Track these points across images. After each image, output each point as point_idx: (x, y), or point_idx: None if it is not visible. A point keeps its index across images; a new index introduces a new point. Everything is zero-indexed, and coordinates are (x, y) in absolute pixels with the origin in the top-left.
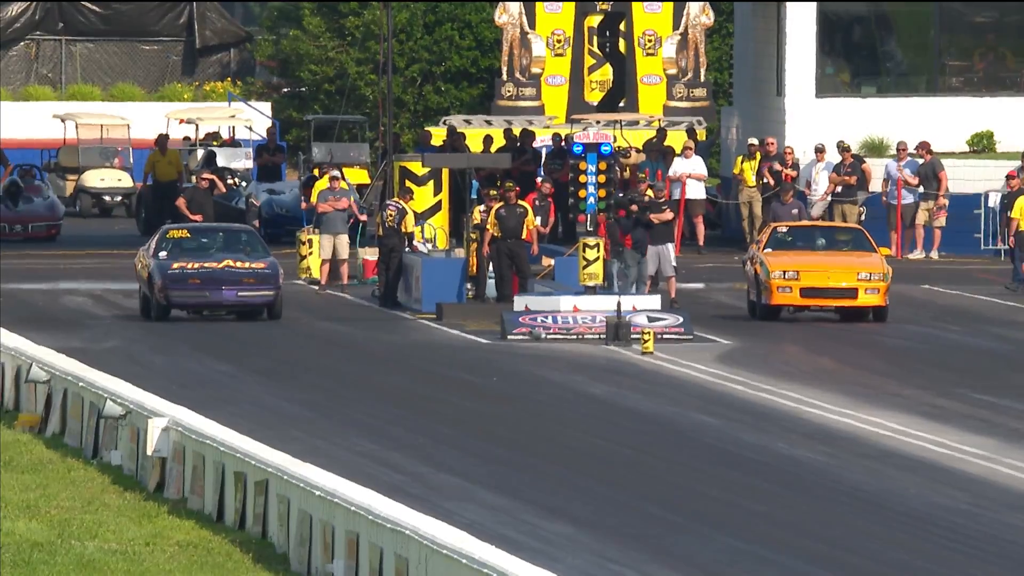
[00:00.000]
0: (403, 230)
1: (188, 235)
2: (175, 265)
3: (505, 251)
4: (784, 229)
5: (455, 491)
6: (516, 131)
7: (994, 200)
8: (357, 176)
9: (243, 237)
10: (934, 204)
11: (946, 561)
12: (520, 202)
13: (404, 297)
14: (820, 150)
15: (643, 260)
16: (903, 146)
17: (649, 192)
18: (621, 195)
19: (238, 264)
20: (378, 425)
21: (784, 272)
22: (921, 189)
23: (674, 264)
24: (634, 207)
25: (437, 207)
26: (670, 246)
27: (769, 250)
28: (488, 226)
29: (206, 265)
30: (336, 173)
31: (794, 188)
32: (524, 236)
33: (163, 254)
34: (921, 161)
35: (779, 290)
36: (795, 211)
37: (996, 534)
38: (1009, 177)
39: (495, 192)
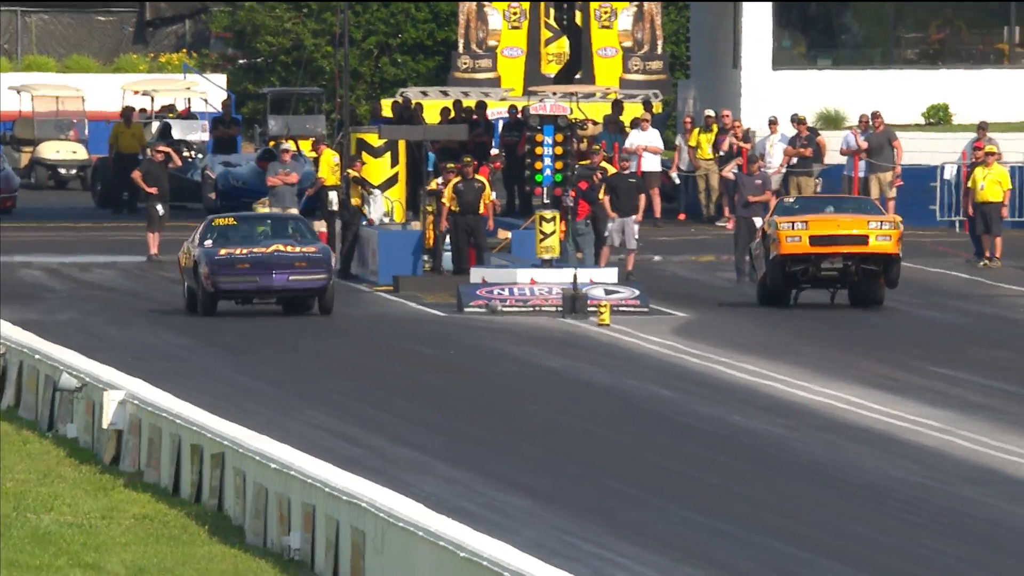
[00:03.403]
0: (353, 203)
1: (235, 223)
2: (223, 251)
3: (463, 225)
4: (791, 199)
5: (412, 464)
6: (471, 103)
7: (950, 172)
8: (305, 148)
9: (291, 224)
10: (891, 174)
11: (902, 533)
12: (478, 176)
13: (360, 269)
14: (773, 122)
15: (588, 230)
16: (864, 118)
17: (605, 164)
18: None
19: (288, 248)
20: (335, 398)
21: (793, 224)
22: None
23: (636, 237)
24: (597, 176)
25: (394, 179)
26: (633, 218)
27: (777, 215)
28: (445, 200)
29: (255, 250)
30: (286, 146)
31: (759, 159)
32: (481, 211)
33: (208, 242)
34: (872, 132)
35: (788, 240)
36: (759, 182)
37: (952, 506)
38: (976, 148)
39: (452, 165)
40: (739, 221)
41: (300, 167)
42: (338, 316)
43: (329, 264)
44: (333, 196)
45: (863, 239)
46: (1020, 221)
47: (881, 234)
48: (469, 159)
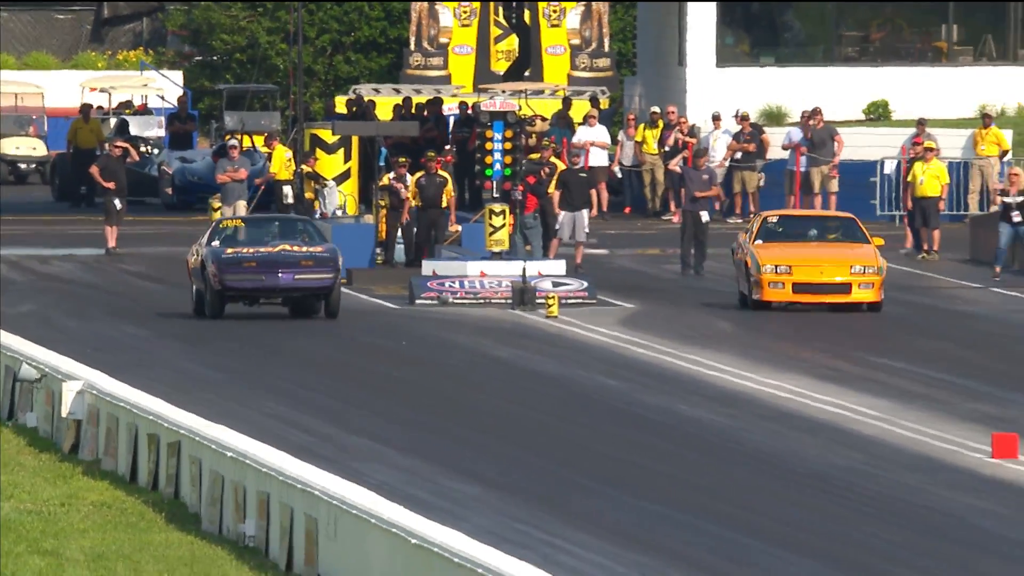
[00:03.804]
0: (307, 197)
1: (243, 224)
2: (230, 250)
3: (425, 220)
4: (775, 219)
5: (364, 452)
6: (423, 100)
7: (889, 167)
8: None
9: (299, 225)
10: (830, 167)
11: (844, 519)
12: (440, 171)
13: None
14: (716, 118)
15: (536, 223)
16: (806, 114)
17: (554, 159)
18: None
19: (295, 248)
20: (289, 388)
21: (776, 267)
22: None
23: (587, 230)
24: (545, 171)
25: (347, 174)
26: (585, 212)
27: (760, 242)
28: (409, 195)
29: (262, 250)
30: (234, 143)
31: (707, 154)
32: (443, 205)
33: (216, 242)
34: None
35: (771, 286)
36: (706, 177)
37: (892, 493)
38: (915, 144)
39: (404, 159)
40: (685, 215)
41: (248, 163)
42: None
43: (336, 264)
44: (287, 190)
45: (846, 288)
46: (958, 215)
47: (864, 282)
48: (432, 154)
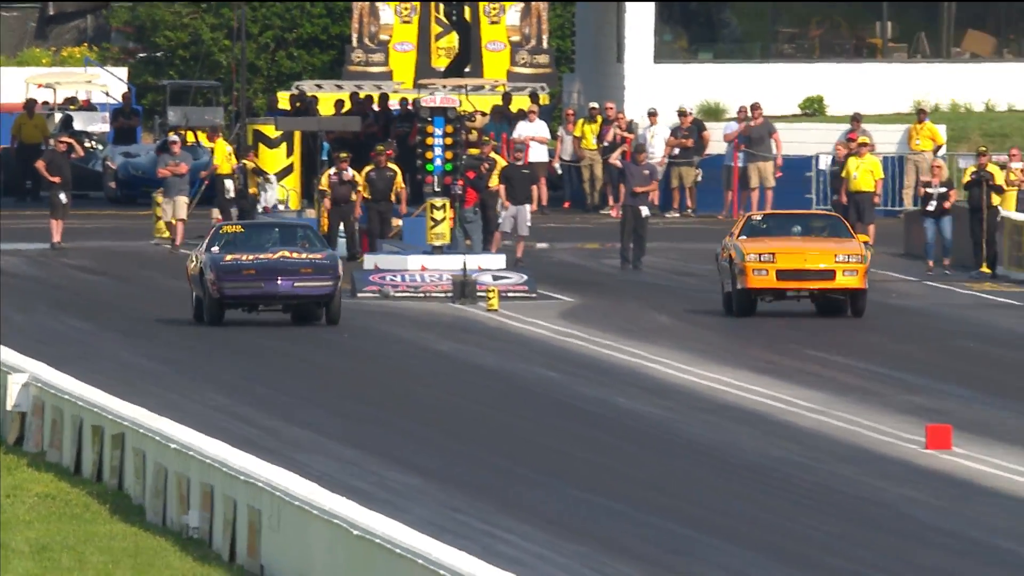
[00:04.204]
0: (251, 192)
1: (242, 230)
2: (228, 257)
3: (376, 212)
4: (759, 217)
5: (307, 444)
6: (375, 96)
7: (825, 162)
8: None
9: (299, 231)
10: (772, 165)
11: (780, 510)
12: (390, 165)
13: None
14: (653, 114)
15: (476, 218)
16: (743, 110)
17: (493, 154)
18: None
19: (294, 255)
20: (232, 380)
21: (760, 255)
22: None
23: (529, 225)
24: (485, 166)
25: (289, 169)
26: (527, 207)
27: (744, 237)
28: (359, 188)
29: (261, 256)
30: (174, 138)
31: (646, 150)
32: (392, 198)
33: (216, 248)
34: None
35: (755, 273)
36: (646, 172)
37: (827, 484)
38: (849, 140)
39: (345, 154)
40: (626, 209)
41: (190, 158)
42: None
43: (336, 271)
44: (229, 184)
45: (830, 274)
46: (892, 210)
47: (848, 268)
48: (382, 148)
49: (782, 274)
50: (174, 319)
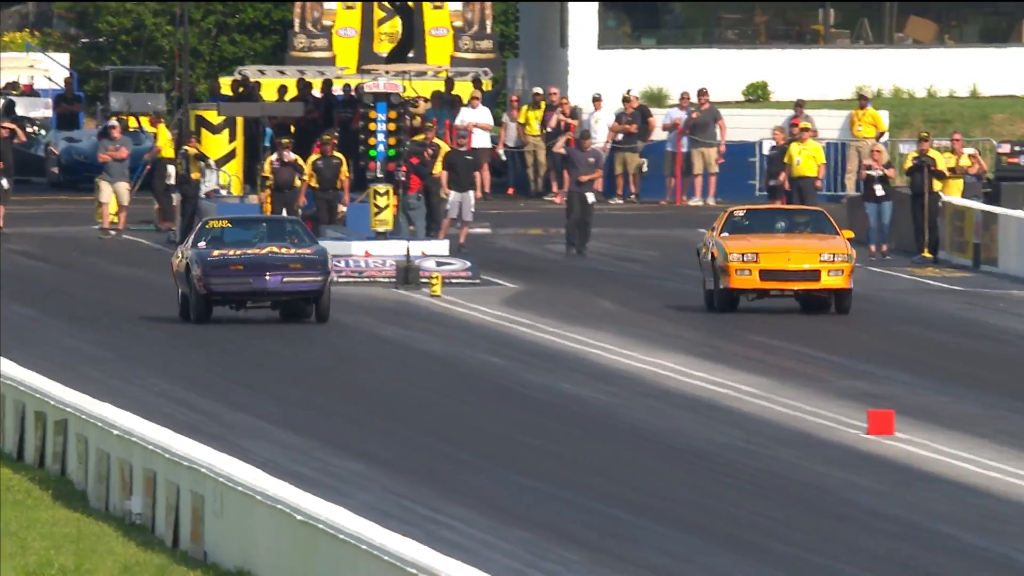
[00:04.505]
0: (193, 177)
1: (230, 225)
2: (215, 252)
3: (323, 201)
4: (741, 213)
5: (250, 429)
6: (317, 83)
7: (768, 148)
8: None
9: (288, 226)
10: (716, 151)
11: (724, 495)
12: (336, 153)
13: None
14: (597, 99)
15: (420, 204)
16: (686, 96)
17: (437, 140)
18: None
19: (283, 250)
20: (175, 366)
21: (743, 255)
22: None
23: (473, 211)
24: (428, 152)
25: (232, 155)
26: (471, 193)
27: (726, 234)
28: (306, 176)
29: (249, 252)
30: (114, 123)
31: (591, 136)
32: (337, 186)
33: (202, 244)
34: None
35: (738, 273)
36: (592, 159)
37: (770, 469)
38: (793, 125)
39: (287, 140)
40: (572, 195)
41: (131, 143)
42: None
43: (326, 266)
44: (171, 170)
45: (815, 275)
46: (835, 195)
47: (833, 268)
48: (329, 136)
49: (765, 274)
50: (116, 305)
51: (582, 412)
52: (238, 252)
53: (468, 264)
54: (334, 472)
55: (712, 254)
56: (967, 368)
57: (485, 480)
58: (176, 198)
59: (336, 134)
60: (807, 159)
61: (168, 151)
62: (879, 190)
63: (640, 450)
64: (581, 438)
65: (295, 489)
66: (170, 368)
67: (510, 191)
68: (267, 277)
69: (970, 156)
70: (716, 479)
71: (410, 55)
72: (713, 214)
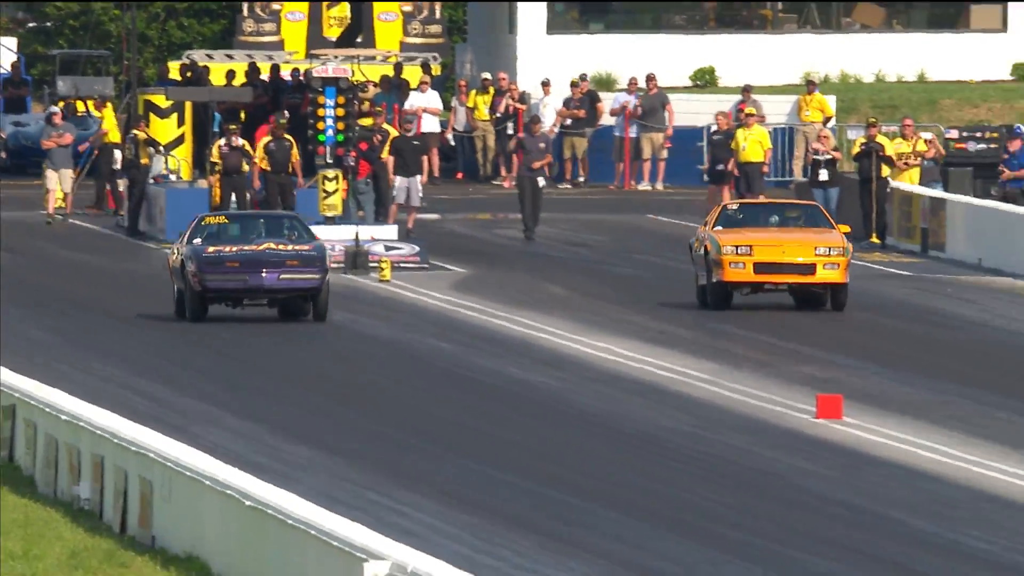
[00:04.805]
0: (142, 162)
1: (226, 221)
2: (211, 249)
3: (275, 184)
4: (734, 206)
5: (199, 415)
6: (265, 67)
7: (711, 133)
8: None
9: (285, 222)
10: (663, 135)
11: (673, 480)
12: (287, 136)
13: (148, 227)
14: (546, 84)
15: (368, 189)
16: (634, 81)
17: (386, 125)
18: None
19: (280, 247)
20: (124, 352)
21: (737, 248)
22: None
23: (421, 195)
24: (377, 138)
25: (180, 139)
26: (419, 178)
27: (719, 228)
28: (257, 159)
29: (245, 248)
30: (56, 109)
31: (540, 121)
32: (289, 169)
33: (198, 240)
34: (643, 95)
35: (732, 266)
36: (542, 145)
37: (719, 454)
38: (740, 111)
39: (235, 126)
40: (523, 180)
41: (74, 128)
42: (126, 271)
43: (324, 263)
44: (118, 154)
45: (810, 268)
46: (783, 181)
47: (829, 262)
48: (284, 121)
49: (760, 267)
50: (64, 289)
51: (531, 397)
52: (234, 248)
53: (417, 249)
54: (283, 457)
55: (705, 248)
56: (915, 353)
57: (433, 465)
58: (123, 183)
59: (286, 118)
60: (753, 144)
61: (115, 135)
62: (823, 174)
63: (589, 435)
64: (530, 423)
65: (244, 474)
66: (117, 353)
67: (459, 176)
68: (264, 274)
69: (927, 141)
70: (665, 464)
71: (359, 40)
72: (661, 199)
